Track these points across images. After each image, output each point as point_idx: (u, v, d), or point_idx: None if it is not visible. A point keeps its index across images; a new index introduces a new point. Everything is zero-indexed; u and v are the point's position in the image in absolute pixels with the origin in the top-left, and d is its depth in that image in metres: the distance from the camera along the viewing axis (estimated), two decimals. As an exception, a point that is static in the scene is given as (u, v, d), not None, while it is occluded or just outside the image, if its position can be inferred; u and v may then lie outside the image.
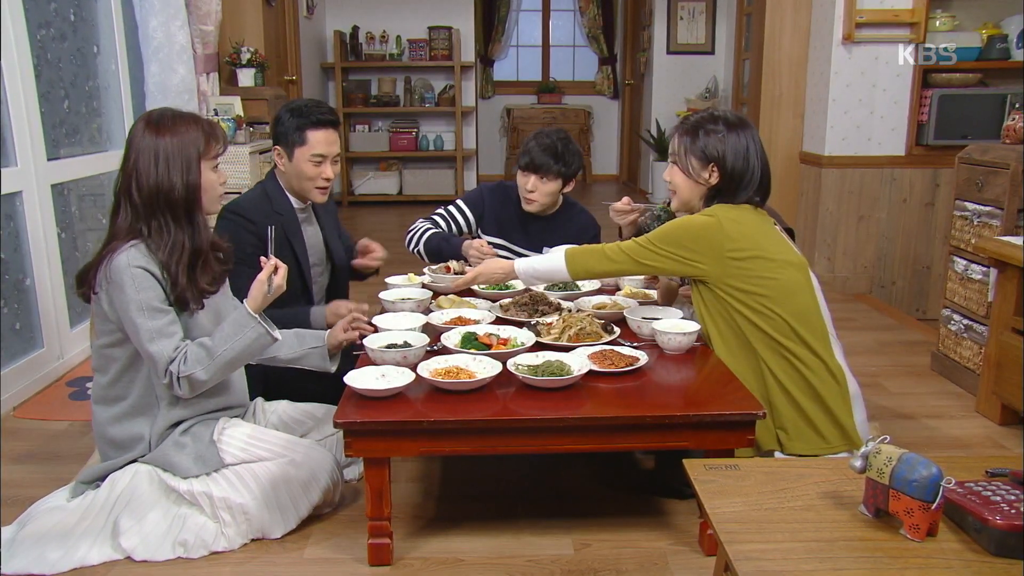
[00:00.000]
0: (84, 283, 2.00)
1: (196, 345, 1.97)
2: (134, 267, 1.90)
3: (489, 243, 2.89)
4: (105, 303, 1.97)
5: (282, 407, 2.34)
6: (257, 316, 1.97)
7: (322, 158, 2.49)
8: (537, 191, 2.81)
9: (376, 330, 2.23)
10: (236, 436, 2.09)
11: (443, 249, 2.85)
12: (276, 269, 2.00)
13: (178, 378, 1.94)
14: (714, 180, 2.13)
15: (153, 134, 1.95)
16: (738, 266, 2.06)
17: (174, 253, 1.95)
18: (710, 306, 2.14)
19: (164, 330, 1.93)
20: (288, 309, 2.46)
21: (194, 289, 1.99)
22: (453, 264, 2.58)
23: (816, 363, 2.04)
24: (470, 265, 2.82)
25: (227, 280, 2.18)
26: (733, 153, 2.10)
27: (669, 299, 2.54)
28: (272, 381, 2.43)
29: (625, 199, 2.67)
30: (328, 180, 2.53)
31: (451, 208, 2.97)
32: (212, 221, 2.26)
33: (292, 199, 2.57)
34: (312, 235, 2.65)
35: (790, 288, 2.07)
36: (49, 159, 3.27)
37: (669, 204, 2.33)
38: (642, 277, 2.67)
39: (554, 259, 2.22)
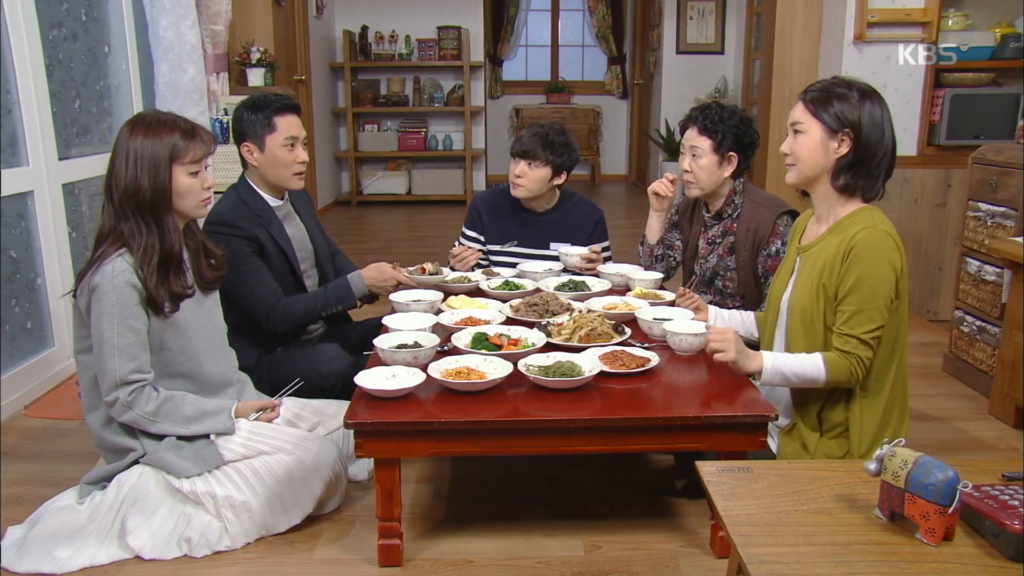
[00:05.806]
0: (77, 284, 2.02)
1: (177, 400, 2.02)
2: (121, 281, 1.92)
3: (496, 251, 2.93)
4: (83, 306, 1.98)
5: (288, 403, 2.34)
6: (234, 419, 2.10)
7: (294, 139, 2.47)
8: (525, 177, 2.80)
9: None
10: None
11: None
12: (272, 408, 2.19)
13: (126, 405, 1.96)
14: (844, 150, 1.91)
15: (130, 136, 1.97)
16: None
17: (146, 255, 1.96)
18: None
19: (128, 350, 1.94)
20: (321, 288, 2.56)
21: (166, 292, 2.00)
22: (428, 265, 2.58)
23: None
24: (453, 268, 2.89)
25: (218, 287, 2.22)
26: (869, 121, 1.89)
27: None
28: (275, 379, 2.44)
29: (674, 177, 2.66)
30: (303, 163, 2.50)
31: (461, 239, 3.02)
32: (201, 224, 2.28)
33: (268, 198, 2.52)
34: (297, 232, 2.62)
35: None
36: (60, 159, 3.28)
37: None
38: (652, 277, 2.65)
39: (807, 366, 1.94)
